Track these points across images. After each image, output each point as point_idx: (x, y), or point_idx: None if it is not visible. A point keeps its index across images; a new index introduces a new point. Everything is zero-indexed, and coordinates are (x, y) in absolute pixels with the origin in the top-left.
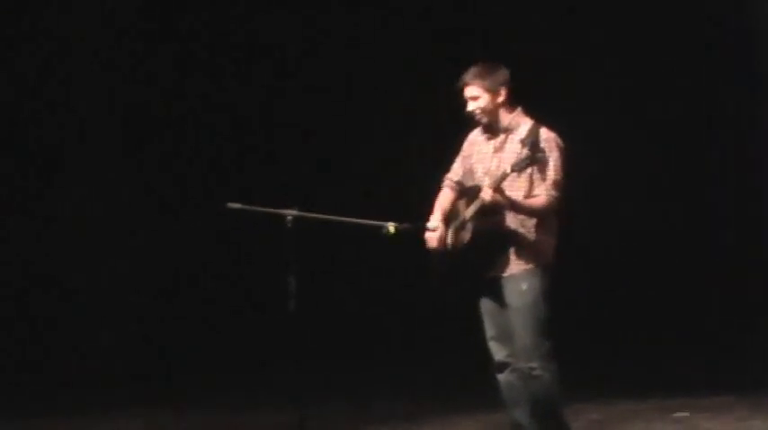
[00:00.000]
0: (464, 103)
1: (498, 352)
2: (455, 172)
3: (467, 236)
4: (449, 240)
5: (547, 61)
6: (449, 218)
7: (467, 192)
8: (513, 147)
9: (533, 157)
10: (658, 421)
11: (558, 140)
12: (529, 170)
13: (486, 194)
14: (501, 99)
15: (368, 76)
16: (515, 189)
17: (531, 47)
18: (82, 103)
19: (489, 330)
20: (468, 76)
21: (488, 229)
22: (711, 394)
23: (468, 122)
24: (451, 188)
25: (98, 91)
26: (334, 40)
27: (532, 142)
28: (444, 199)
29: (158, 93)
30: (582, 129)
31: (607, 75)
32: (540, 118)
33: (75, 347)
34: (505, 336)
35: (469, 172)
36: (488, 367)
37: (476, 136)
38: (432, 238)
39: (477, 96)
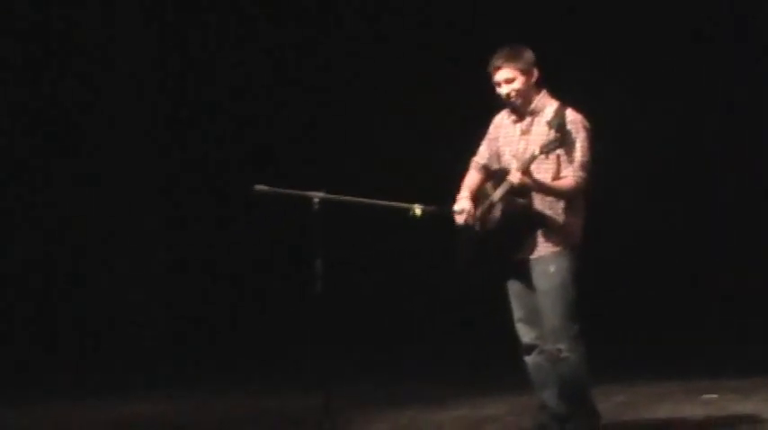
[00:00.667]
0: (494, 87)
1: (526, 334)
2: (481, 155)
3: (495, 218)
4: (477, 220)
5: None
6: (477, 198)
7: (494, 175)
8: (540, 130)
9: (562, 139)
10: (686, 403)
11: (585, 122)
12: (556, 152)
13: (515, 177)
14: (533, 79)
15: (395, 62)
16: (543, 171)
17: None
18: (109, 86)
19: (517, 312)
20: (500, 59)
21: (516, 212)
22: (740, 376)
23: (496, 105)
24: (478, 170)
25: (126, 76)
26: (358, 32)
27: (559, 124)
28: (471, 180)
29: (185, 78)
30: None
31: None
32: (566, 100)
33: (97, 331)
34: (533, 318)
35: (496, 155)
36: (516, 349)
37: (502, 119)
38: (459, 217)
39: (511, 78)
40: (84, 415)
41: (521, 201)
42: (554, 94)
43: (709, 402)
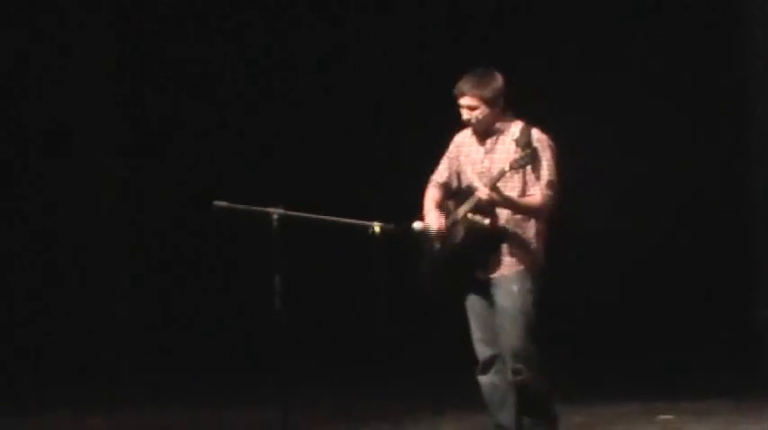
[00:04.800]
0: (459, 109)
1: (483, 352)
2: (440, 173)
3: (458, 235)
4: (438, 237)
5: (535, 65)
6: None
7: (456, 194)
8: (505, 148)
9: (529, 157)
10: (643, 424)
11: (550, 141)
12: (520, 171)
13: (483, 192)
14: (498, 109)
15: (355, 76)
16: (509, 189)
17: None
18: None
19: (476, 331)
20: (466, 85)
21: (480, 229)
22: (696, 397)
23: (459, 125)
24: (438, 188)
25: (96, 92)
26: (325, 44)
27: (526, 142)
28: (432, 197)
29: (151, 90)
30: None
31: (599, 75)
32: (530, 119)
33: (65, 345)
34: (492, 337)
35: (456, 173)
36: (473, 368)
37: (463, 138)
38: (432, 223)
39: (474, 106)
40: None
41: (485, 218)
42: (519, 115)
43: (666, 423)
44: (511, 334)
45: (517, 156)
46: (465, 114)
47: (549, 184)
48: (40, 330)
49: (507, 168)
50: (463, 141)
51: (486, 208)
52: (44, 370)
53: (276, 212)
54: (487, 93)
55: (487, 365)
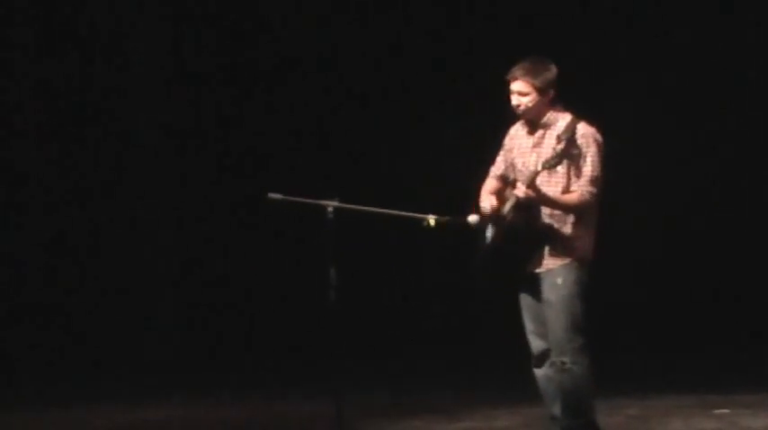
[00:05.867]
0: (509, 95)
1: (537, 346)
2: (498, 165)
3: (505, 232)
4: (492, 232)
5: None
6: (499, 200)
7: (511, 185)
8: (552, 143)
9: (565, 154)
10: (698, 417)
11: (597, 135)
12: (565, 166)
13: (520, 191)
14: (548, 98)
15: (408, 72)
16: (552, 185)
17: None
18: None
19: (528, 324)
20: (519, 70)
21: (524, 226)
22: (752, 391)
23: (511, 116)
24: (496, 179)
25: (149, 91)
26: (372, 40)
27: (568, 138)
28: (491, 185)
29: (200, 87)
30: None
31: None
32: (580, 112)
33: (110, 335)
34: (543, 331)
35: (511, 165)
36: (528, 361)
37: (516, 130)
38: (486, 206)
39: (525, 92)
40: (98, 421)
41: (528, 214)
42: (568, 107)
43: (721, 417)
44: (555, 326)
45: (550, 155)
46: (514, 100)
47: (591, 181)
48: (89, 324)
49: (540, 168)
50: (516, 133)
51: (527, 205)
52: (95, 362)
53: (331, 205)
54: (539, 80)
55: (541, 358)
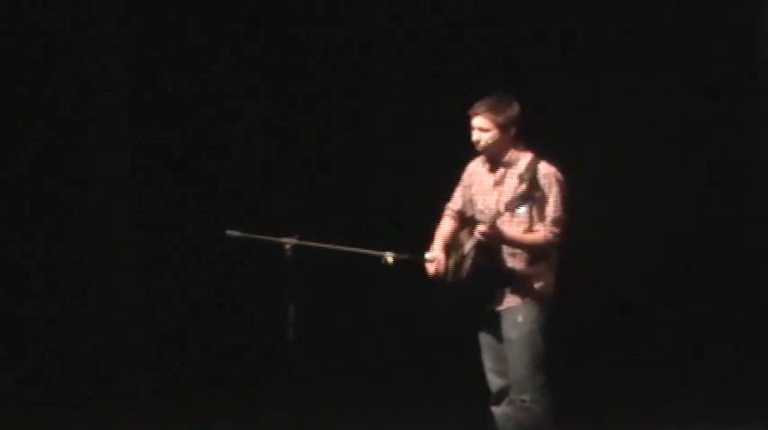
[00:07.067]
0: (470, 130)
1: (495, 384)
2: (455, 201)
3: (466, 269)
4: (449, 271)
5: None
6: (450, 247)
7: (468, 222)
8: (513, 182)
9: (528, 197)
10: None
11: (558, 175)
12: (527, 207)
13: (482, 231)
14: (509, 136)
15: (368, 101)
16: (515, 224)
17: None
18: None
19: (487, 362)
20: (481, 106)
21: (486, 264)
22: (713, 427)
23: (471, 151)
24: (452, 217)
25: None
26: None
27: (530, 178)
28: (445, 228)
29: (164, 118)
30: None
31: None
32: (541, 150)
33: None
34: (503, 369)
35: (470, 201)
36: (486, 399)
37: (476, 165)
38: (431, 266)
39: (486, 128)
40: None
41: (490, 253)
42: (529, 145)
43: None
44: (517, 364)
45: (513, 197)
46: (475, 135)
47: (555, 221)
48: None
49: (503, 210)
50: (476, 170)
51: (489, 244)
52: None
53: (290, 242)
54: (501, 118)
55: (500, 396)
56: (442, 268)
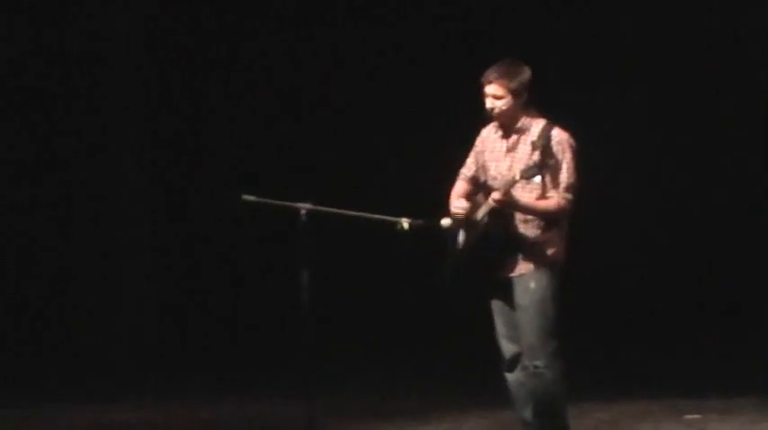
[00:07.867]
0: (483, 98)
1: (508, 350)
2: (469, 167)
3: (478, 236)
4: (462, 239)
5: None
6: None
7: (483, 187)
8: (526, 148)
9: (542, 165)
10: (668, 422)
11: (571, 141)
12: (540, 175)
13: (496, 198)
14: (522, 101)
15: (384, 73)
16: (528, 191)
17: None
18: (106, 95)
19: (500, 328)
20: (493, 74)
21: (499, 231)
22: (722, 396)
23: (485, 118)
24: (466, 181)
25: (122, 87)
26: (353, 39)
27: (544, 145)
28: (461, 188)
29: (174, 83)
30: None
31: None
32: (554, 117)
33: (86, 338)
34: (515, 335)
35: (483, 167)
36: (499, 365)
37: (489, 132)
38: (460, 210)
39: (499, 96)
40: (71, 421)
41: (503, 220)
42: (542, 112)
43: (692, 422)
44: (528, 330)
45: (528, 164)
46: (489, 103)
47: (567, 188)
48: (58, 327)
49: (518, 177)
50: (488, 136)
51: (502, 211)
52: (66, 364)
53: (304, 207)
54: (514, 83)
55: (513, 362)
56: (470, 213)
